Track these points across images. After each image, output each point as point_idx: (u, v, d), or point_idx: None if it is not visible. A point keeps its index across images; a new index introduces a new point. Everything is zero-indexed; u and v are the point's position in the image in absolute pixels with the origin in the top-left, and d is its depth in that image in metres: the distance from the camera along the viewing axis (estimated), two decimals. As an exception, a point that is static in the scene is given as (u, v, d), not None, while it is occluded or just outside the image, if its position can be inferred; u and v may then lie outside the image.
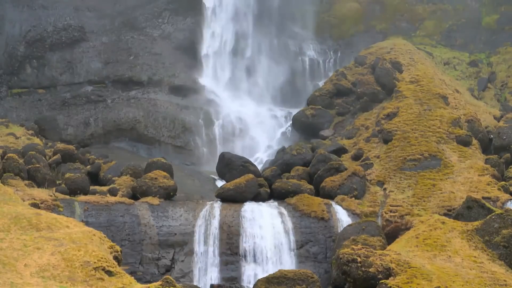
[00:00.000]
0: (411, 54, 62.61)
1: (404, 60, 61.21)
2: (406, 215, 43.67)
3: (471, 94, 63.30)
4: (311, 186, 46.83)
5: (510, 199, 43.70)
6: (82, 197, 42.82)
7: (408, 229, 41.67)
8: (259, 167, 52.69)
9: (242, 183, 45.39)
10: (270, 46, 70.51)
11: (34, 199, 40.08)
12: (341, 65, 67.26)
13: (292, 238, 42.62)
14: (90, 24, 66.39)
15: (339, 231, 42.70)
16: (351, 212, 44.34)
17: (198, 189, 51.16)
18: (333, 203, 44.96)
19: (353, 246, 36.37)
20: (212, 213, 43.24)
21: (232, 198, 44.80)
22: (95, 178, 48.23)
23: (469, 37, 71.86)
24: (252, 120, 64.68)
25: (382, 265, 34.16)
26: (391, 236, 42.18)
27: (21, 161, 44.61)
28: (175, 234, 42.37)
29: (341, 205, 44.79)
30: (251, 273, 41.42)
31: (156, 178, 45.06)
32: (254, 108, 66.18)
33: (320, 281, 37.14)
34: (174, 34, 67.36)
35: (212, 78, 67.58)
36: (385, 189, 46.93)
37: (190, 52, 67.30)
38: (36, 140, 55.13)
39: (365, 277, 33.94)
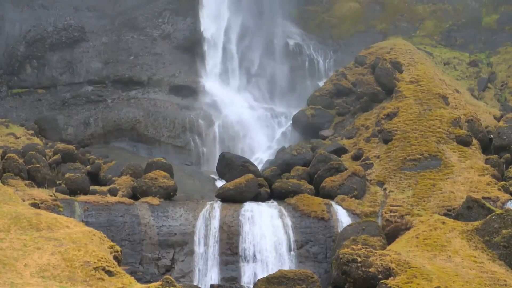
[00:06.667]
0: (411, 54, 62.60)
1: (404, 60, 61.20)
2: (406, 215, 43.67)
3: (471, 94, 63.30)
4: (311, 186, 46.84)
5: (510, 199, 43.70)
6: (82, 197, 42.81)
7: (408, 229, 41.69)
8: (259, 167, 52.69)
9: (242, 183, 45.39)
10: (270, 46, 70.48)
11: (34, 199, 40.07)
12: (341, 65, 67.23)
13: (292, 238, 42.62)
14: (90, 24, 66.37)
15: (339, 231, 42.71)
16: (351, 212, 44.35)
17: (198, 189, 51.17)
18: (333, 203, 44.97)
19: (353, 246, 36.41)
20: (212, 213, 43.24)
21: (232, 198, 44.80)
22: (95, 178, 48.23)
23: (469, 37, 71.88)
24: (252, 120, 64.69)
25: (382, 265, 34.18)
26: (391, 236, 42.18)
27: (21, 161, 44.59)
28: (175, 234, 42.38)
29: (341, 205, 44.80)
30: (251, 273, 41.42)
31: (156, 178, 45.06)
32: (254, 108, 66.19)
33: (320, 281, 37.15)
34: (174, 34, 67.37)
35: (212, 78, 67.57)
36: (385, 189, 46.94)
37: (190, 52, 67.31)
38: (36, 140, 55.12)
39: (365, 277, 33.97)
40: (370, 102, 58.35)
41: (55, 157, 49.05)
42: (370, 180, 47.78)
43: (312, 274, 36.49)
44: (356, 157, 51.19)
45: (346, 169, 47.69)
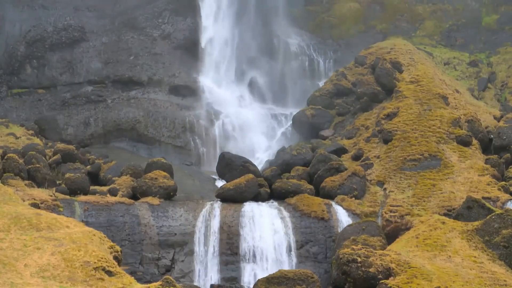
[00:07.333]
0: (411, 54, 62.60)
1: (404, 60, 61.19)
2: (406, 215, 43.67)
3: (471, 94, 63.30)
4: (311, 186, 46.83)
5: (510, 199, 43.70)
6: (82, 197, 42.82)
7: (408, 229, 41.70)
8: (259, 167, 52.68)
9: (242, 183, 45.39)
10: (270, 45, 70.47)
11: (34, 199, 40.07)
12: (341, 65, 67.22)
13: (292, 238, 42.62)
14: (90, 24, 66.36)
15: (339, 231, 42.70)
16: (351, 212, 44.34)
17: (198, 189, 51.16)
18: (333, 203, 44.97)
19: (353, 246, 36.41)
20: (212, 213, 43.24)
21: (232, 198, 44.80)
22: (95, 178, 48.24)
23: (469, 37, 71.88)
24: (252, 120, 64.65)
25: (382, 265, 34.18)
26: (391, 236, 42.18)
27: (21, 161, 44.59)
28: (175, 234, 42.38)
29: (341, 205, 44.80)
30: (251, 273, 41.42)
31: (156, 178, 45.06)
32: (254, 108, 66.17)
33: (320, 281, 37.14)
34: (174, 34, 67.35)
35: (212, 78, 67.57)
36: (385, 189, 46.94)
37: (190, 52, 67.30)
38: (36, 140, 55.11)
39: (365, 277, 33.97)
40: (370, 102, 58.34)
41: (55, 157, 49.05)
42: (370, 180, 47.78)
43: (312, 274, 36.48)
44: (356, 157, 51.19)
45: (346, 169, 47.69)
